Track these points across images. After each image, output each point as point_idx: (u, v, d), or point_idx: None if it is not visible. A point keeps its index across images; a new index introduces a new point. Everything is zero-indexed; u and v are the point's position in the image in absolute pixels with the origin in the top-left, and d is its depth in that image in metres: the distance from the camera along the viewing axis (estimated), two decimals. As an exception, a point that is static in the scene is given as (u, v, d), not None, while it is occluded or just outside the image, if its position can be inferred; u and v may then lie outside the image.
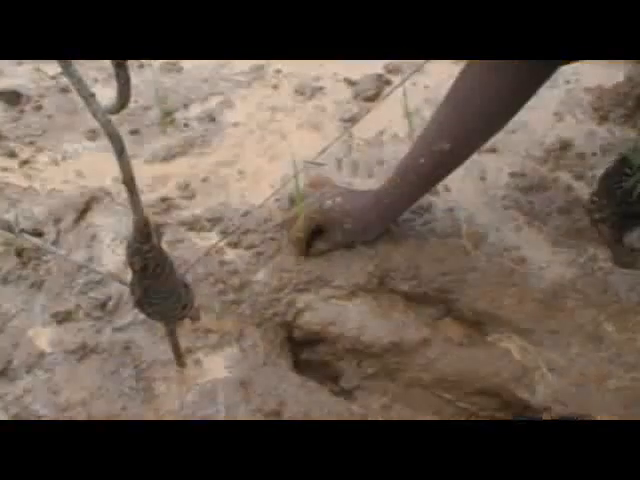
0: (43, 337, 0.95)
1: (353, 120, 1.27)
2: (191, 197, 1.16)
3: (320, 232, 1.03)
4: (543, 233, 1.03)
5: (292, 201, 1.11)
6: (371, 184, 1.11)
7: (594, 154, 1.17)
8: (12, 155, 1.23)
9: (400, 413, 0.93)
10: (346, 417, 0.88)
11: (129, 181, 0.62)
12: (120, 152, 0.59)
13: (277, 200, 1.11)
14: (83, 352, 0.93)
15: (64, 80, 1.33)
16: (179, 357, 0.89)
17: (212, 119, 1.32)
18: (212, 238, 1.08)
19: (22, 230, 1.03)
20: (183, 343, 0.89)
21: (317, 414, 0.87)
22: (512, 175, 1.15)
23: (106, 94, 0.61)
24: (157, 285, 0.72)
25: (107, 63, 0.52)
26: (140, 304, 0.75)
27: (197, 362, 0.93)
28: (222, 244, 1.06)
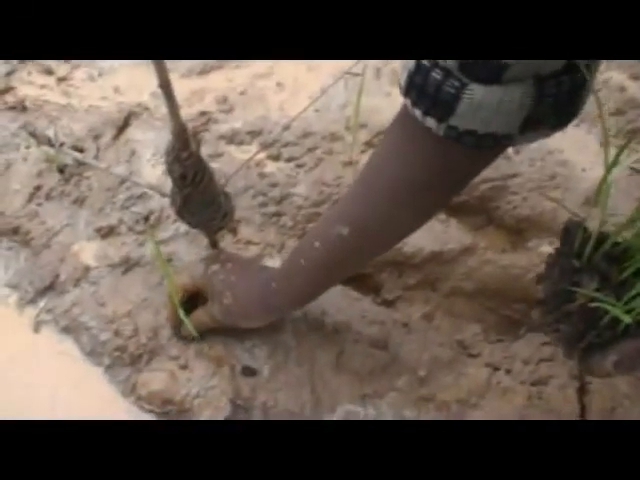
0: (88, 251, 0.96)
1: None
2: (229, 111, 1.15)
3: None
4: (591, 134, 1.01)
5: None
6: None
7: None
8: (49, 72, 1.22)
9: (442, 322, 0.93)
10: (388, 325, 0.88)
11: (165, 85, 0.62)
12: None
13: (316, 111, 1.10)
14: (127, 265, 0.94)
15: None
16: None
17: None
18: (252, 151, 1.06)
19: (62, 144, 1.05)
20: (225, 254, 0.90)
21: (359, 322, 0.88)
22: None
23: None
24: (196, 193, 0.72)
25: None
26: (180, 213, 0.75)
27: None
28: (262, 157, 1.05)
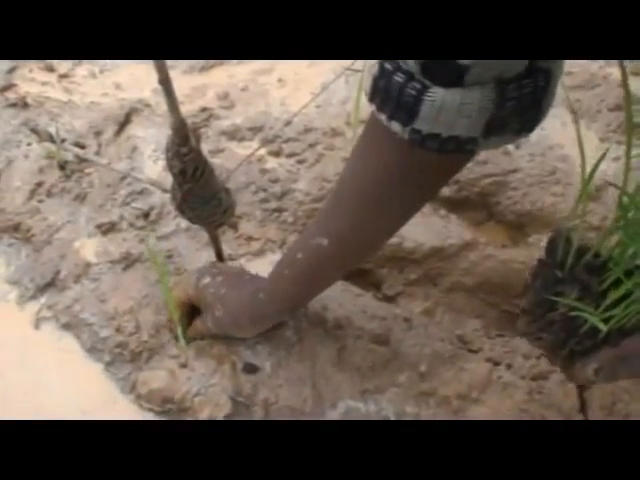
0: (89, 248, 0.96)
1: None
2: (231, 107, 1.15)
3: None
4: (591, 130, 1.01)
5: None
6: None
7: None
8: (50, 69, 1.22)
9: (442, 317, 0.93)
10: (389, 320, 0.88)
11: (165, 82, 0.62)
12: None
13: (317, 107, 1.10)
14: (128, 262, 0.94)
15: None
16: (222, 262, 0.90)
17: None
18: (253, 147, 1.07)
19: (63, 140, 1.05)
20: (225, 250, 0.90)
21: (360, 318, 0.88)
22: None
23: None
24: (197, 189, 0.72)
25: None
26: (180, 209, 0.75)
27: (240, 268, 0.93)
28: (263, 152, 1.05)
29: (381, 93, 0.55)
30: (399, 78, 0.53)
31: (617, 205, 0.70)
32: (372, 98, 0.57)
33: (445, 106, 0.52)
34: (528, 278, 0.84)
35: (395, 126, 0.56)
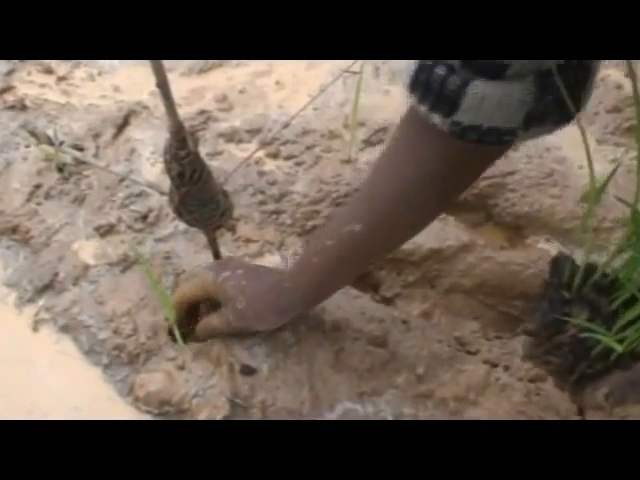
0: (87, 250, 0.96)
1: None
2: (229, 109, 1.15)
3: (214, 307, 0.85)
4: (589, 132, 1.01)
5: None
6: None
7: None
8: (49, 72, 1.23)
9: (440, 319, 0.93)
10: (387, 322, 0.89)
11: (163, 85, 0.62)
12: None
13: (315, 109, 1.10)
14: (126, 264, 0.94)
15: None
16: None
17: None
18: (251, 149, 1.07)
19: (62, 143, 1.05)
20: (223, 252, 0.90)
21: (358, 319, 0.88)
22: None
23: None
24: (194, 191, 0.72)
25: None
26: (178, 211, 0.75)
27: (238, 270, 0.93)
28: (261, 155, 1.05)
29: (422, 86, 0.56)
30: (440, 71, 0.55)
31: (630, 221, 0.69)
32: (412, 90, 0.58)
33: (487, 98, 0.53)
34: (541, 265, 0.83)
35: (435, 118, 0.57)
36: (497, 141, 0.57)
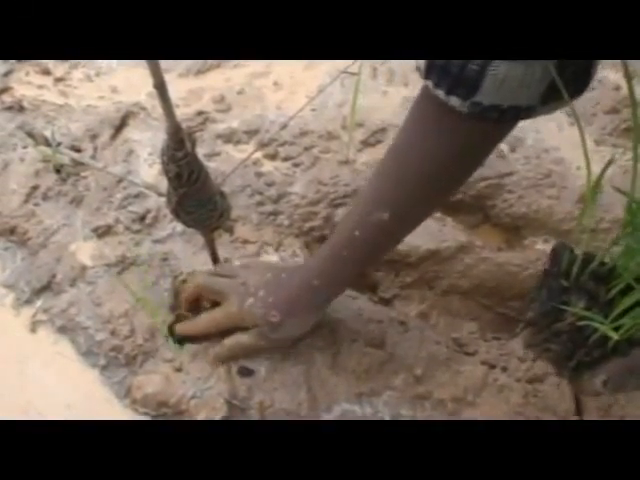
0: (84, 251, 0.96)
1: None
2: (227, 110, 1.15)
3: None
4: (587, 133, 1.01)
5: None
6: (406, 93, 1.09)
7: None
8: (46, 72, 1.22)
9: (438, 320, 0.93)
10: (385, 323, 0.88)
11: (160, 86, 0.62)
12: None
13: (313, 110, 1.10)
14: (123, 265, 0.94)
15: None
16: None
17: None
18: (249, 150, 1.07)
19: (59, 144, 1.05)
20: (221, 253, 0.90)
21: (356, 321, 0.88)
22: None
23: None
24: (192, 192, 0.72)
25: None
26: (176, 212, 0.75)
27: (236, 271, 0.93)
28: (259, 156, 1.05)
29: (438, 70, 0.58)
30: None
31: (625, 211, 0.70)
32: (428, 75, 0.59)
33: (508, 78, 0.54)
34: (532, 290, 0.84)
35: (454, 100, 0.58)
36: (515, 118, 0.59)
